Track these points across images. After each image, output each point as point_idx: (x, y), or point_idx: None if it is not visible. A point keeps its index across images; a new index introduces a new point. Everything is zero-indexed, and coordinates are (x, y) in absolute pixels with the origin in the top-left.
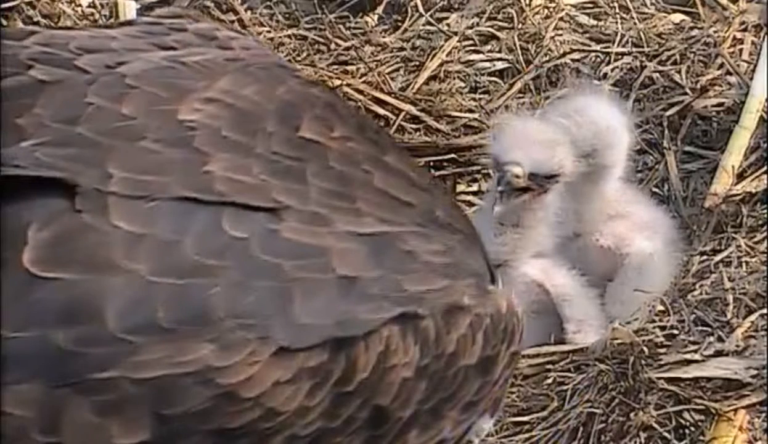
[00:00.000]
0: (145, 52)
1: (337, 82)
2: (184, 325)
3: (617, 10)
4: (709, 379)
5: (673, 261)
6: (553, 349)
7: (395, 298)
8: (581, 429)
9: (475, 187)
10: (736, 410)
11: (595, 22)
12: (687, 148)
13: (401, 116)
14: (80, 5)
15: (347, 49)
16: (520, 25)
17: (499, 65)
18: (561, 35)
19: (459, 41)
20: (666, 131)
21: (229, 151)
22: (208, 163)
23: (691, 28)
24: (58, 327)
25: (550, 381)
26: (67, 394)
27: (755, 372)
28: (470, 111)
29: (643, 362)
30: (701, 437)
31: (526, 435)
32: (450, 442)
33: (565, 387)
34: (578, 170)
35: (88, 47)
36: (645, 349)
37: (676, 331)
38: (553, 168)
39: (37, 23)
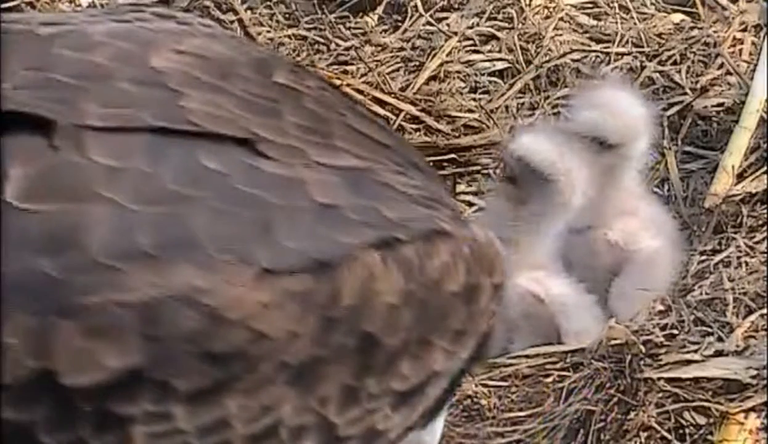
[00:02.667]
0: (107, 23)
1: (337, 82)
2: (166, 250)
3: (617, 10)
4: (709, 380)
5: (676, 260)
6: (552, 349)
7: (375, 224)
8: (580, 427)
9: (475, 187)
10: (746, 413)
11: (595, 22)
12: (687, 148)
13: (401, 116)
14: (80, 5)
15: (347, 49)
16: (520, 25)
17: (499, 65)
18: (561, 35)
19: (459, 41)
20: (666, 131)
21: (205, 91)
22: (183, 99)
23: (691, 28)
24: (44, 256)
25: (549, 380)
26: (55, 319)
27: (755, 372)
28: (470, 111)
29: (640, 361)
30: (709, 437)
31: (523, 430)
32: (443, 378)
33: (561, 384)
34: (594, 184)
35: (49, 20)
36: (642, 347)
37: (676, 331)
38: (545, 163)
39: None
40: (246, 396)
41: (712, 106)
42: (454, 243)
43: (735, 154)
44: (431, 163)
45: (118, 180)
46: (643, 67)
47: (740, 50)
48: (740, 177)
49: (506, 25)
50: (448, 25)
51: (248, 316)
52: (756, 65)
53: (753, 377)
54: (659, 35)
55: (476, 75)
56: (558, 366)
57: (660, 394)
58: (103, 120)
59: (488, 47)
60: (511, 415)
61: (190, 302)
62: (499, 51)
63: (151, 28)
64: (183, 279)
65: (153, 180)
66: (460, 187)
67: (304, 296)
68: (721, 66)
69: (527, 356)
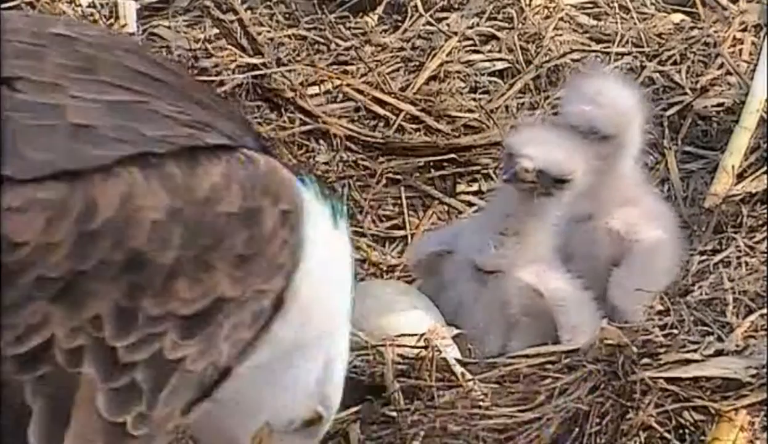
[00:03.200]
0: None
1: (337, 82)
2: None
3: (617, 10)
4: (708, 379)
5: (677, 254)
6: (552, 349)
7: (132, 140)
8: (574, 428)
9: (475, 187)
10: (737, 410)
11: (595, 22)
12: (687, 148)
13: (401, 116)
14: (80, 5)
15: (347, 49)
16: (520, 25)
17: (499, 65)
18: (561, 35)
19: (459, 41)
20: (666, 131)
21: None
22: None
23: (691, 28)
24: None
25: (546, 381)
26: None
27: (755, 372)
28: (470, 111)
29: (633, 363)
30: (702, 437)
31: (517, 429)
32: (242, 311)
33: (555, 385)
34: (588, 179)
35: None
36: (635, 349)
37: (675, 331)
38: (564, 171)
39: None
40: (7, 312)
41: (712, 106)
42: (225, 164)
43: (735, 154)
44: (431, 163)
45: None
46: (643, 67)
47: (740, 50)
48: (740, 177)
49: (506, 25)
50: (448, 25)
51: None
52: (756, 65)
53: (753, 376)
54: (659, 35)
55: (476, 75)
56: (554, 367)
57: (659, 394)
58: None
59: (488, 47)
60: (506, 414)
61: None
62: (499, 51)
63: None
64: None
65: None
66: (460, 187)
67: (54, 205)
68: (721, 66)
69: (525, 356)
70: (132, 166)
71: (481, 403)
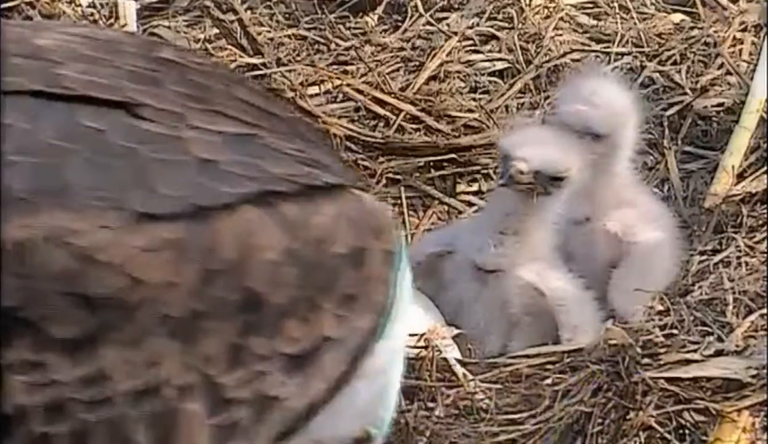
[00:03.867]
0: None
1: (337, 82)
2: (38, 196)
3: (617, 10)
4: (709, 379)
5: (677, 255)
6: (552, 349)
7: (256, 177)
8: (577, 430)
9: (475, 187)
10: (739, 411)
11: (595, 22)
12: (687, 148)
13: (401, 116)
14: (80, 5)
15: (347, 49)
16: (520, 25)
17: (499, 65)
18: (561, 35)
19: (459, 41)
20: (666, 131)
21: (86, 62)
22: (62, 68)
23: (691, 28)
24: None
25: (548, 381)
26: None
27: (755, 372)
28: (470, 111)
29: (637, 363)
30: (704, 437)
31: (518, 431)
32: (340, 349)
33: (557, 387)
34: (584, 176)
35: None
36: (639, 350)
37: (675, 331)
38: (560, 169)
39: None
40: (125, 348)
41: (712, 106)
42: (338, 203)
43: (735, 154)
44: (431, 163)
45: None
46: (643, 67)
47: (740, 50)
48: (740, 177)
49: (506, 25)
50: (448, 25)
51: (122, 259)
52: (756, 65)
53: (753, 377)
54: (659, 35)
55: (476, 75)
56: (556, 367)
57: (660, 395)
58: None
59: (488, 47)
60: (508, 416)
61: (61, 243)
62: (499, 51)
63: (47, 24)
64: (54, 222)
65: (30, 135)
66: (460, 187)
67: (179, 243)
68: (721, 66)
69: (527, 356)
70: (254, 204)
71: (484, 406)
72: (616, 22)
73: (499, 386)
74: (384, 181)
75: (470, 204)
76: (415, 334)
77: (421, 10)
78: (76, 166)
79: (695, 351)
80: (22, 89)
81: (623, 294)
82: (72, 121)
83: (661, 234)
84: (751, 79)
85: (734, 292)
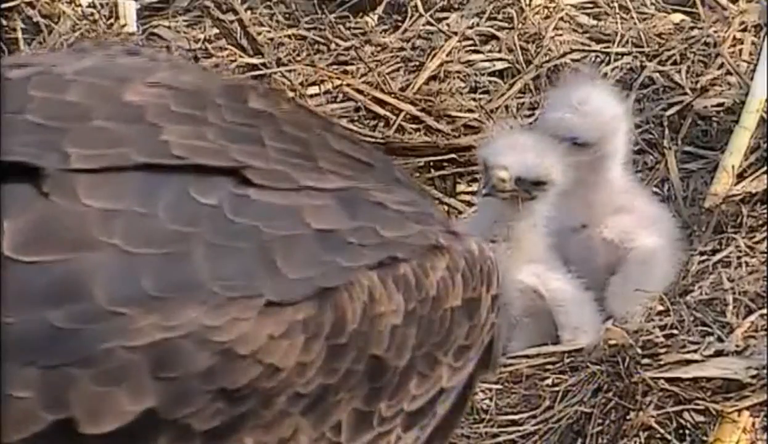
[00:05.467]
0: (76, 62)
1: (337, 82)
2: (170, 292)
3: (617, 10)
4: (709, 379)
5: (675, 259)
6: (552, 349)
7: (374, 245)
8: (578, 430)
9: (475, 187)
10: (740, 411)
11: (595, 22)
12: (687, 148)
13: (401, 116)
14: (80, 5)
15: (347, 49)
16: (520, 25)
17: (499, 65)
18: (561, 35)
19: (459, 41)
20: (666, 131)
21: (182, 123)
22: (163, 133)
23: (691, 28)
24: (49, 307)
25: (548, 382)
26: (68, 370)
27: (755, 372)
28: (470, 111)
29: (637, 363)
30: (704, 438)
31: (518, 432)
32: (451, 394)
33: (557, 388)
34: (568, 178)
35: (18, 62)
36: (639, 350)
37: (675, 331)
38: (540, 174)
39: (37, 24)
40: (263, 431)
41: (712, 106)
42: (450, 258)
43: (735, 154)
44: (431, 163)
45: (114, 223)
46: (643, 67)
47: (740, 50)
48: (740, 177)
49: (506, 25)
50: (448, 25)
51: (258, 349)
52: (756, 65)
53: (753, 377)
54: (659, 35)
55: (476, 75)
56: (556, 367)
57: (660, 395)
58: (89, 162)
59: (488, 47)
60: (508, 416)
61: (200, 341)
62: (499, 51)
63: (120, 63)
64: (189, 319)
65: (148, 220)
66: (460, 187)
67: (309, 324)
68: (721, 66)
69: (527, 356)
70: (373, 273)
71: (484, 406)
72: (616, 22)
73: (499, 387)
74: None
75: (470, 204)
76: None
77: (421, 10)
78: (200, 254)
79: (695, 351)
80: (131, 165)
81: (621, 300)
82: (186, 198)
83: (658, 239)
84: (751, 79)
85: (734, 293)
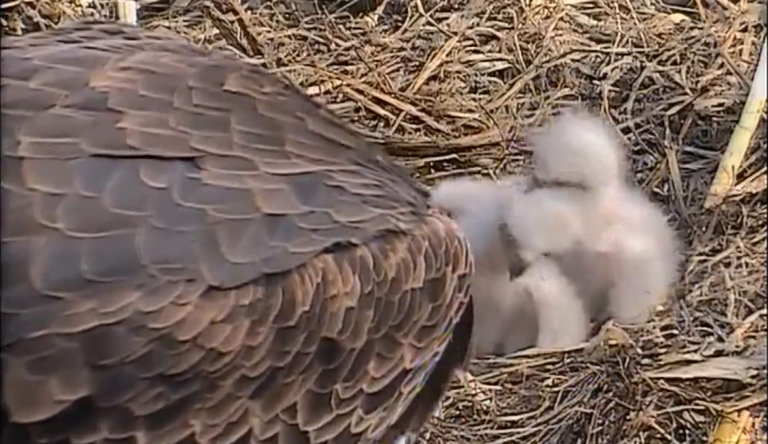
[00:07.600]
0: (52, 46)
1: (337, 82)
2: (108, 276)
3: (617, 10)
4: (709, 380)
5: (670, 258)
6: (552, 349)
7: (326, 230)
8: (578, 430)
9: None
10: (739, 412)
11: (595, 22)
12: (687, 148)
13: (401, 116)
14: (80, 5)
15: (347, 49)
16: (520, 25)
17: (499, 65)
18: (561, 35)
19: (459, 41)
20: (666, 131)
21: (145, 109)
22: (121, 120)
23: (691, 28)
24: None
25: (548, 382)
26: (3, 356)
27: (755, 372)
28: (470, 111)
29: (637, 363)
30: (704, 438)
31: (518, 433)
32: (418, 374)
33: (557, 388)
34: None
35: None
36: (639, 350)
37: (675, 332)
38: (564, 245)
39: (36, 24)
40: (210, 414)
41: (712, 106)
42: (411, 240)
43: (735, 154)
44: (431, 163)
45: (57, 207)
46: (643, 67)
47: (740, 50)
48: (740, 177)
49: (506, 25)
50: (448, 25)
51: (199, 335)
52: (756, 65)
53: (753, 377)
54: (659, 35)
55: (476, 75)
56: (556, 367)
57: (660, 395)
58: (38, 150)
59: (488, 47)
60: (508, 417)
61: (136, 328)
62: (499, 51)
63: (96, 46)
64: (126, 304)
65: (93, 204)
66: None
67: (255, 308)
68: (721, 66)
69: (527, 356)
70: (327, 256)
71: (484, 407)
72: (616, 22)
73: (499, 388)
74: None
75: None
76: None
77: (421, 10)
78: (142, 237)
79: (695, 351)
80: (84, 156)
81: (625, 308)
82: (135, 181)
83: (651, 244)
84: (751, 79)
85: (734, 293)
